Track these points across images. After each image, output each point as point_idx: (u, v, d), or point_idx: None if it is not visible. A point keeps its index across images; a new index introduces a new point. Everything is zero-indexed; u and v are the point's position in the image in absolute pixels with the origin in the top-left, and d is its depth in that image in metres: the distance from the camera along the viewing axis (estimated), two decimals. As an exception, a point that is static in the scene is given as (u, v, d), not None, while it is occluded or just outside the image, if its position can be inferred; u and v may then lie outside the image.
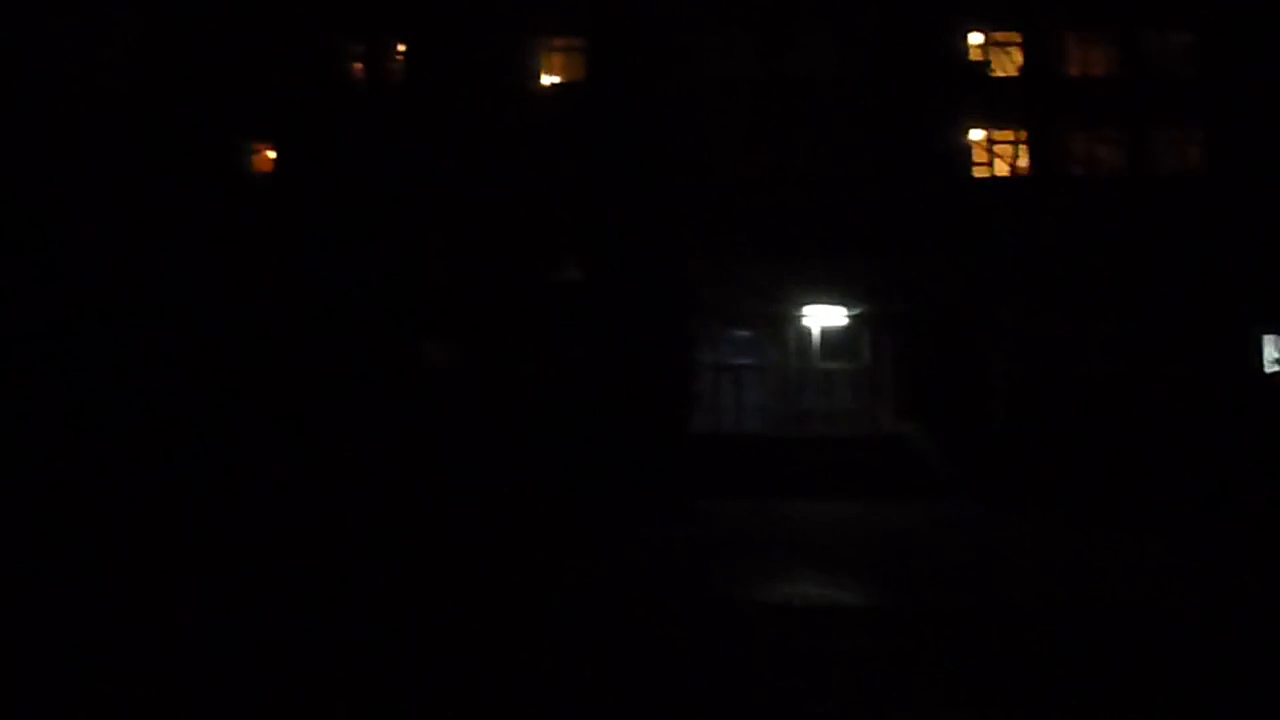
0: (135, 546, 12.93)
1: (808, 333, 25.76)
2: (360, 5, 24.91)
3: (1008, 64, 26.33)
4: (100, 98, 23.11)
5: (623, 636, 9.42)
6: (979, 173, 25.96)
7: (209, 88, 24.49)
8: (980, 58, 26.32)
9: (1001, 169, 25.86)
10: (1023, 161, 25.73)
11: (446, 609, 10.42)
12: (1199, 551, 14.20)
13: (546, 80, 25.85)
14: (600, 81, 24.97)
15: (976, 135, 25.90)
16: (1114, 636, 9.30)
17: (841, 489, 21.29)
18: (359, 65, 25.75)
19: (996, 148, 25.99)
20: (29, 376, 17.76)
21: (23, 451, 15.61)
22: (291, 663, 8.12)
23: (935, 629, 9.70)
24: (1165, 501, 17.57)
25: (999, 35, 26.29)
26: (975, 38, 26.29)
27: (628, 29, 24.64)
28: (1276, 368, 23.97)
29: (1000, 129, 25.86)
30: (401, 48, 25.76)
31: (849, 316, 25.65)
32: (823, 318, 25.71)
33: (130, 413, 18.50)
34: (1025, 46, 26.22)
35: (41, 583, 10.92)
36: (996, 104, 25.65)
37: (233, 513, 15.17)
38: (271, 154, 25.49)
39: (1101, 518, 17.33)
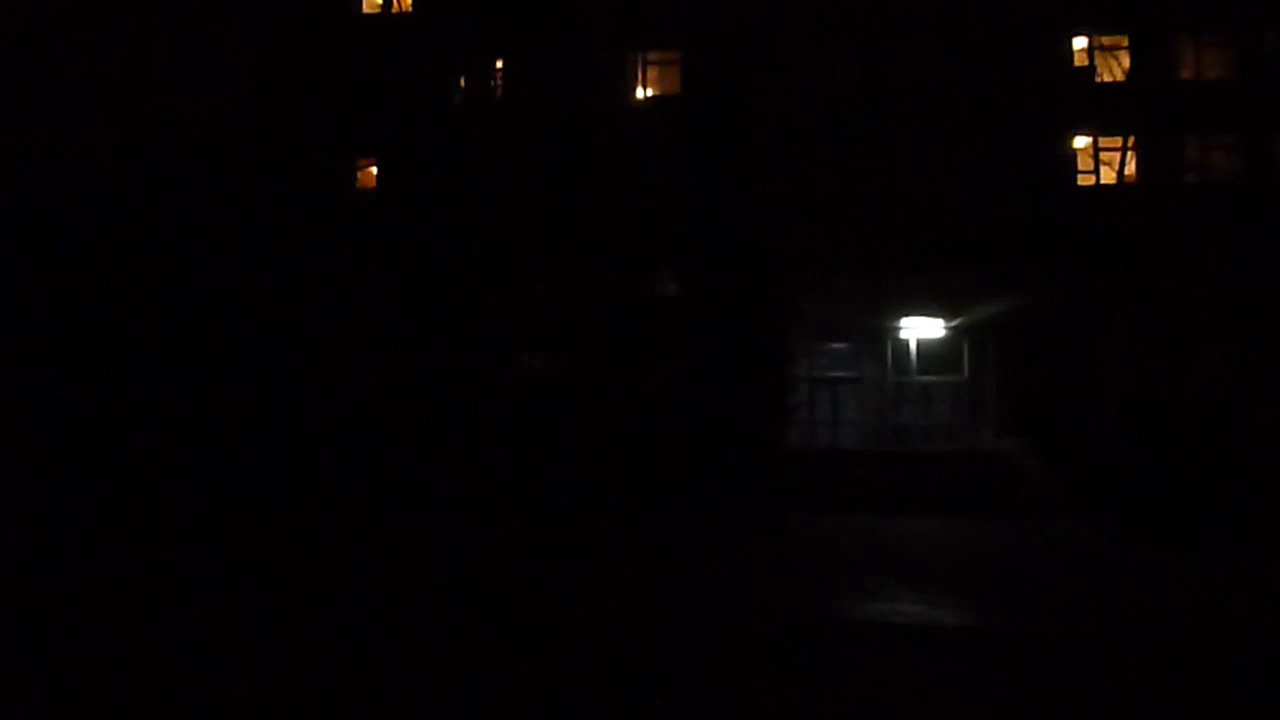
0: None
1: (906, 345, 25.40)
2: (461, 27, 25.48)
3: (1115, 68, 25.57)
4: (222, 120, 24.19)
5: (721, 653, 9.45)
6: (1084, 181, 25.23)
7: (318, 109, 25.37)
8: (1085, 63, 25.64)
9: (1108, 177, 25.09)
10: (1130, 169, 24.92)
11: (550, 621, 10.59)
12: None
13: (643, 94, 26.05)
14: (697, 95, 25.06)
15: (1082, 143, 25.19)
16: (1213, 668, 8.96)
17: (940, 506, 20.91)
18: (460, 83, 26.32)
19: (1103, 155, 25.23)
20: (165, 379, 18.68)
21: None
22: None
23: (1035, 652, 9.49)
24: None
25: (1105, 39, 25.57)
26: (1080, 42, 25.62)
27: (724, 42, 24.67)
28: None
29: (1107, 135, 25.08)
30: (500, 65, 26.24)
31: (948, 329, 25.20)
32: (921, 330, 25.31)
33: (245, 420, 19.26)
34: (1132, 49, 25.43)
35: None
36: (1103, 110, 24.92)
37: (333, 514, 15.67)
38: (374, 170, 26.23)
39: (1215, 545, 16.61)
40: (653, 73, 26.40)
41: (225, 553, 13.37)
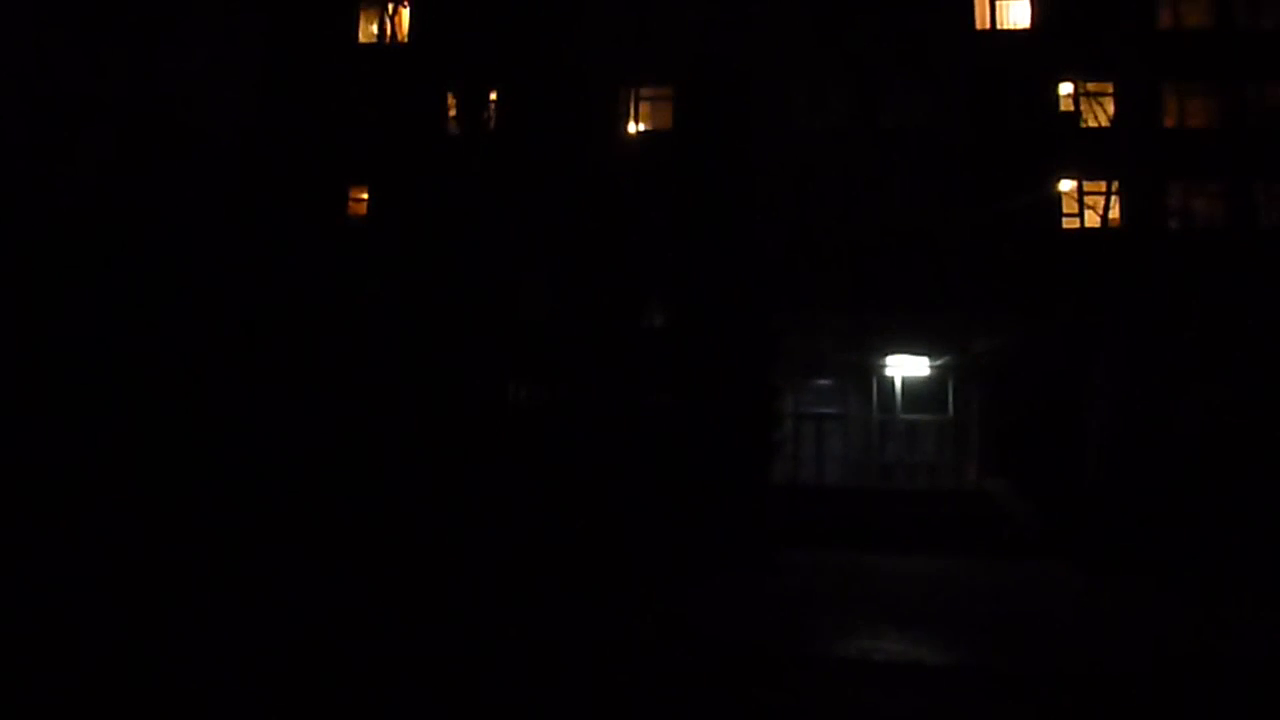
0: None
1: (891, 383, 25.57)
2: (455, 58, 25.70)
3: (1100, 114, 25.99)
4: (219, 139, 24.34)
5: (700, 687, 9.43)
6: (1069, 224, 25.59)
7: (314, 136, 25.50)
8: (1071, 108, 26.07)
9: (1093, 220, 25.42)
10: (1115, 213, 25.25)
11: (523, 654, 10.56)
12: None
13: (636, 129, 26.32)
14: (689, 131, 25.30)
15: (1067, 186, 25.55)
16: (1193, 709, 9.00)
17: (923, 544, 20.96)
18: (453, 113, 26.51)
19: (1088, 199, 25.60)
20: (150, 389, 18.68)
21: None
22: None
23: (1015, 691, 9.52)
24: (1266, 571, 16.84)
25: (1090, 85, 26.01)
26: (1066, 88, 26.05)
27: (717, 79, 24.96)
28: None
29: (1091, 180, 25.45)
30: (494, 96, 26.45)
31: (934, 367, 25.39)
32: (907, 368, 25.49)
33: (224, 437, 19.19)
34: (1117, 97, 25.89)
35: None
36: (1087, 155, 25.29)
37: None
38: (364, 196, 26.36)
39: (1194, 586, 16.67)
40: (645, 108, 26.70)
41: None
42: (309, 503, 17.54)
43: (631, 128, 26.54)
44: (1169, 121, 25.86)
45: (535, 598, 14.00)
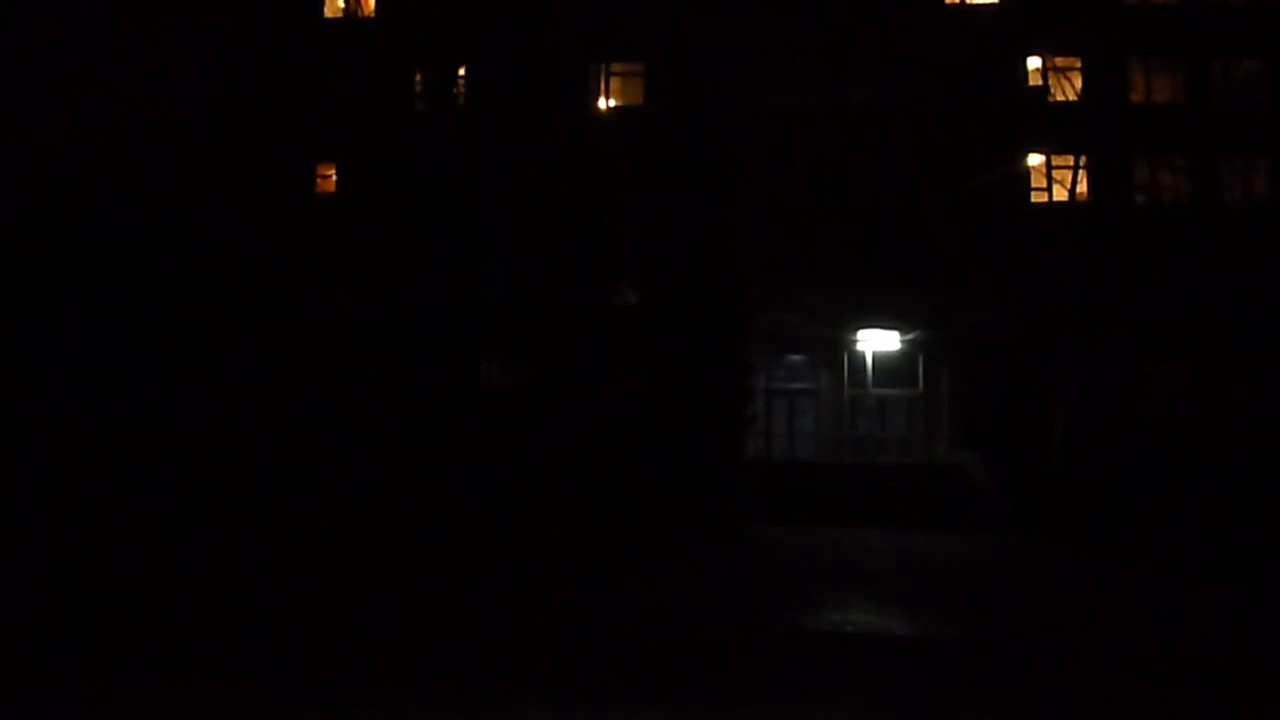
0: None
1: (862, 358, 25.69)
2: (423, 32, 25.41)
3: (1068, 89, 26.09)
4: (184, 120, 24.00)
5: (669, 661, 9.49)
6: (1038, 199, 25.71)
7: (280, 112, 25.19)
8: (1039, 83, 26.15)
9: (1060, 195, 25.57)
10: (1082, 188, 25.42)
11: (489, 628, 10.60)
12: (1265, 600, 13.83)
13: (606, 105, 26.16)
14: (660, 106, 25.18)
15: (1035, 161, 25.64)
16: (1154, 681, 9.16)
17: (894, 518, 21.15)
18: (422, 89, 26.22)
19: (1056, 173, 25.73)
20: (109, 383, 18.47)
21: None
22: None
23: (984, 663, 9.64)
24: (1227, 542, 17.11)
25: (1059, 60, 26.10)
26: (1034, 62, 26.12)
27: (688, 55, 24.83)
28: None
29: (1059, 154, 25.55)
30: (462, 72, 26.16)
31: (904, 342, 25.53)
32: (878, 343, 25.62)
33: (198, 426, 19.03)
34: (1085, 72, 26.00)
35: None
36: (1055, 129, 25.39)
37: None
38: (333, 175, 26.07)
39: (1157, 559, 16.91)
40: (616, 84, 26.54)
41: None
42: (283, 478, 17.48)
43: (602, 103, 26.38)
44: (1136, 96, 26.02)
45: (498, 574, 14.02)
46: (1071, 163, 25.41)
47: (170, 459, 16.99)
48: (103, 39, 22.48)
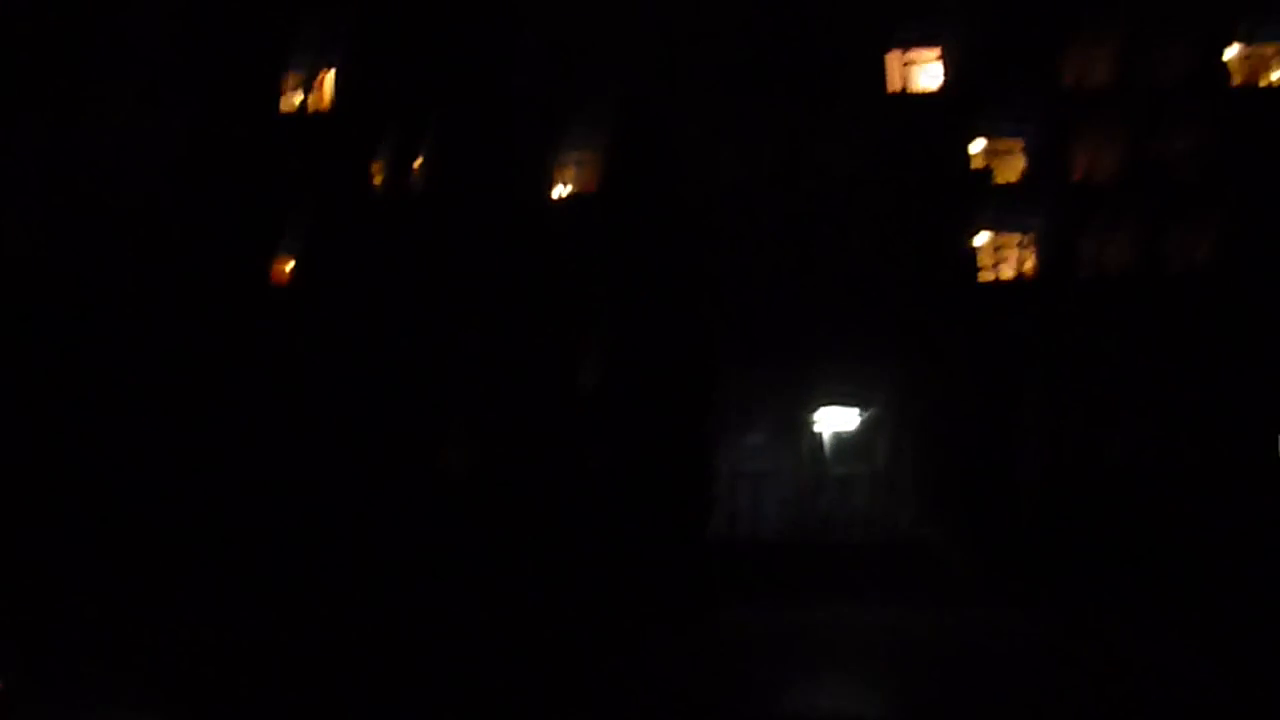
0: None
1: (823, 435, 25.77)
2: (380, 125, 25.72)
3: (1011, 169, 26.86)
4: (144, 211, 24.00)
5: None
6: (988, 273, 26.21)
7: (237, 205, 25.22)
8: (983, 164, 26.87)
9: (1010, 270, 26.11)
10: (1029, 265, 26.00)
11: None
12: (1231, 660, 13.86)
13: (566, 186, 26.49)
14: (618, 188, 25.56)
15: (982, 240, 26.27)
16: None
17: (857, 596, 20.99)
18: (377, 177, 26.41)
19: (1004, 251, 26.31)
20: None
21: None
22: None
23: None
24: (1196, 600, 17.22)
25: (1001, 143, 26.88)
26: (978, 144, 26.89)
27: (643, 141, 25.35)
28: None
29: (1006, 232, 26.17)
30: (418, 163, 26.42)
31: (864, 418, 25.69)
32: (840, 419, 25.75)
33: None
34: (1026, 153, 26.78)
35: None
36: (1001, 208, 26.05)
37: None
38: (291, 265, 26.01)
39: (1122, 619, 16.99)
40: (575, 167, 26.91)
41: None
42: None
43: (562, 185, 26.72)
44: (1077, 175, 26.76)
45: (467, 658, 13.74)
46: (1019, 238, 26.04)
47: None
48: (60, 125, 22.54)
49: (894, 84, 27.32)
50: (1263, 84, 26.83)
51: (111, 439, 21.28)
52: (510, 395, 23.35)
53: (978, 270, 26.11)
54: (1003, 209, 25.91)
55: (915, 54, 27.32)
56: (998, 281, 26.10)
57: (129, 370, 22.52)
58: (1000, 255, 26.18)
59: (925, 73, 27.29)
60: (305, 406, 23.05)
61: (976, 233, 26.19)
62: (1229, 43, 26.77)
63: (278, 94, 26.74)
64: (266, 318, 24.55)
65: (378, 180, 26.24)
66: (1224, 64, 26.78)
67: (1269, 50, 26.79)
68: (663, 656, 14.84)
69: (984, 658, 15.02)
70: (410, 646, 15.00)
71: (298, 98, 26.68)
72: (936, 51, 27.23)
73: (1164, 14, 26.74)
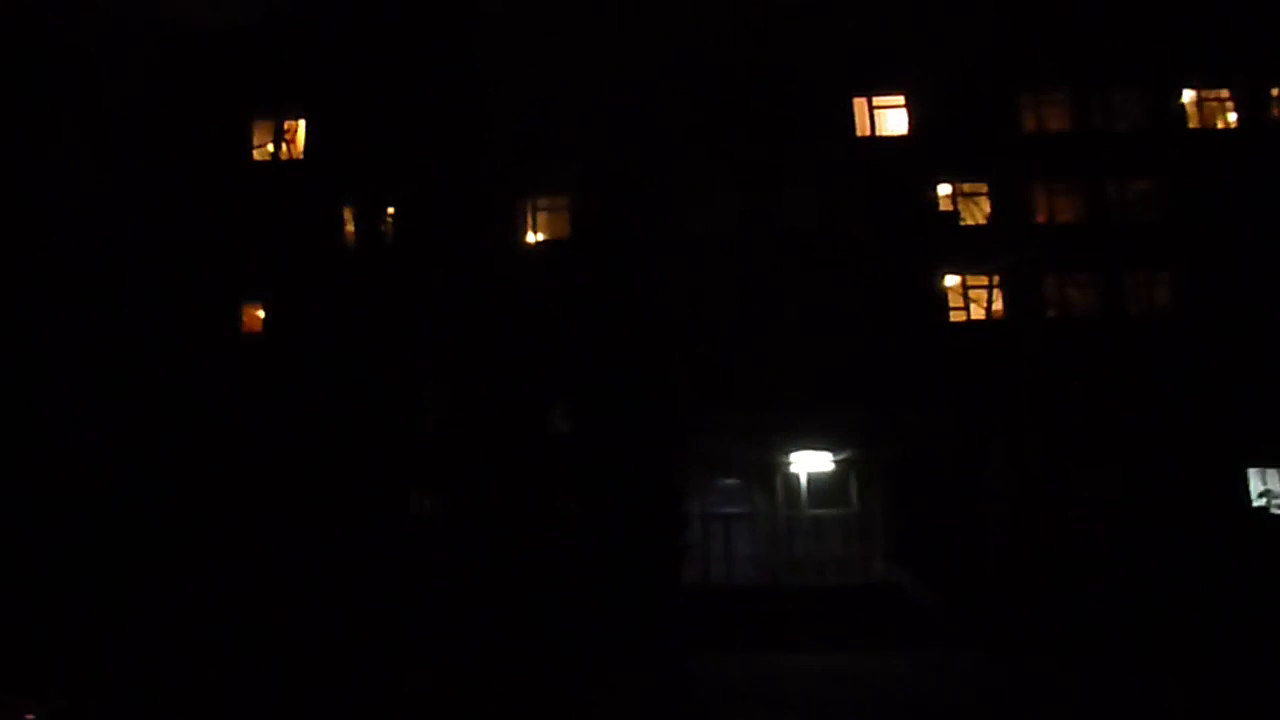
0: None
1: (796, 480, 25.78)
2: (352, 173, 25.84)
3: (977, 212, 27.27)
4: (107, 259, 24.01)
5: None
6: (956, 317, 26.48)
7: (206, 252, 25.24)
8: (950, 207, 27.27)
9: (978, 313, 26.40)
10: (998, 305, 26.30)
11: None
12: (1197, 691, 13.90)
13: (533, 238, 26.65)
14: (585, 238, 25.72)
15: (952, 281, 26.57)
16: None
17: (833, 640, 20.88)
18: (349, 226, 26.47)
19: (971, 293, 26.61)
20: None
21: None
22: None
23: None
24: (1160, 638, 17.31)
25: (966, 186, 27.32)
26: (944, 189, 27.30)
27: (611, 188, 25.54)
28: (1261, 501, 23.92)
29: (974, 274, 26.49)
30: (391, 211, 26.48)
31: (836, 462, 25.73)
32: (811, 464, 25.77)
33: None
34: (991, 196, 27.22)
35: None
36: (968, 250, 26.39)
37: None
38: (261, 313, 25.96)
39: (1092, 659, 17.03)
40: (543, 217, 27.11)
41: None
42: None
43: (530, 236, 26.86)
44: (1041, 218, 27.18)
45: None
46: (986, 281, 26.37)
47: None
48: (21, 173, 22.56)
49: (862, 128, 27.79)
50: (1219, 127, 27.52)
51: (85, 488, 21.15)
52: (479, 442, 23.26)
53: (948, 311, 26.38)
54: (970, 250, 26.24)
55: (881, 99, 27.85)
56: (968, 322, 26.36)
57: (101, 418, 22.43)
58: (970, 296, 26.49)
59: (892, 116, 27.78)
60: (277, 452, 22.93)
61: (945, 275, 26.50)
62: (1184, 87, 27.49)
63: (248, 142, 26.91)
64: (237, 364, 24.48)
65: (349, 228, 26.33)
66: (1180, 107, 27.46)
67: (1223, 94, 27.50)
68: (634, 702, 14.65)
69: (958, 701, 14.92)
70: (381, 691, 14.80)
71: (269, 145, 26.84)
72: (902, 97, 27.77)
73: (1120, 60, 27.42)
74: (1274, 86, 27.37)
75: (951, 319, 26.51)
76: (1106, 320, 25.93)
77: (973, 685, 16.38)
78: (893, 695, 15.45)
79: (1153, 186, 26.97)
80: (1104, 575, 20.54)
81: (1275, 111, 27.37)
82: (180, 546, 20.97)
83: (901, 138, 27.67)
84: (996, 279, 26.40)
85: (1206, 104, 27.57)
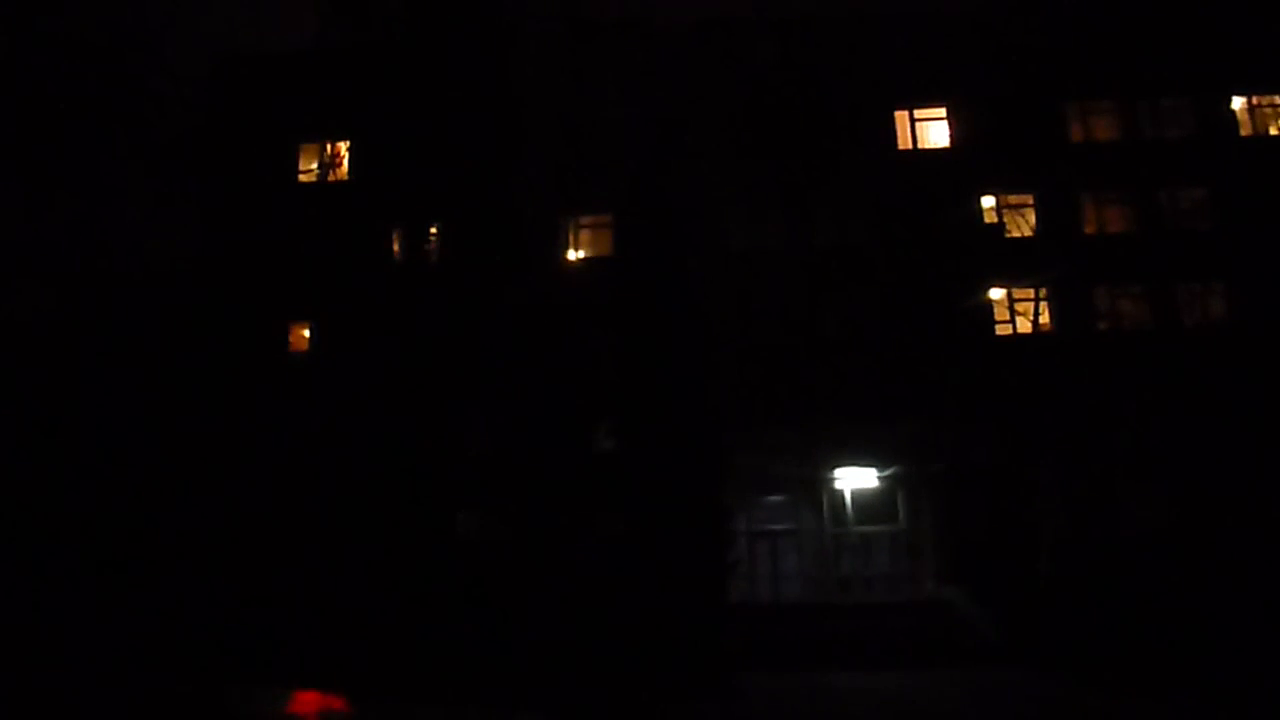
0: None
1: (842, 496, 25.53)
2: (396, 193, 26.11)
3: (1022, 224, 26.93)
4: (163, 281, 24.54)
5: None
6: (1002, 331, 26.13)
7: (257, 272, 25.61)
8: (995, 220, 26.95)
9: (1024, 326, 26.07)
10: (1045, 318, 25.95)
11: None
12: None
13: (577, 255, 26.72)
14: (629, 256, 25.74)
15: (997, 294, 26.24)
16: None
17: (883, 658, 20.65)
18: (396, 247, 26.71)
19: (1018, 305, 26.28)
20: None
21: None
22: None
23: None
24: (1217, 661, 16.90)
25: (1011, 198, 27.01)
26: (988, 201, 26.99)
27: (655, 206, 25.56)
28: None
29: (1020, 287, 26.17)
30: (435, 230, 26.70)
31: (882, 478, 25.46)
32: (857, 480, 25.52)
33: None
34: (1037, 208, 26.88)
35: None
36: (1014, 263, 26.08)
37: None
38: (306, 333, 26.25)
39: (1145, 680, 16.65)
40: (586, 235, 27.14)
41: None
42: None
43: (573, 254, 26.94)
44: (1089, 229, 26.80)
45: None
46: (1032, 295, 26.05)
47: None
48: (82, 199, 23.06)
49: (904, 141, 27.59)
50: (1271, 133, 27.02)
51: (124, 509, 21.48)
52: (525, 460, 23.34)
53: (994, 325, 26.06)
54: (1016, 263, 25.94)
55: (923, 111, 27.65)
56: (1014, 335, 26.02)
57: (148, 438, 22.79)
58: (1016, 309, 26.16)
59: (934, 129, 27.57)
60: (321, 471, 23.15)
61: (991, 288, 26.19)
62: (1234, 94, 27.04)
63: (295, 164, 27.30)
64: (285, 382, 24.80)
65: (395, 249, 26.58)
66: (1231, 114, 26.99)
67: (1276, 99, 27.00)
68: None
69: (1007, 719, 14.66)
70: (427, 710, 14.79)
71: (315, 166, 27.20)
72: (944, 109, 27.55)
73: (1168, 67, 27.04)
74: (1327, 92, 26.87)
75: (998, 333, 26.17)
76: (1160, 333, 25.45)
77: (1027, 706, 16.09)
78: (942, 712, 15.25)
79: (1205, 195, 26.51)
80: (1159, 594, 20.11)
81: (1329, 117, 26.86)
82: (221, 560, 21.25)
83: (944, 150, 27.44)
84: (1043, 292, 26.08)
85: (1258, 110, 27.08)
